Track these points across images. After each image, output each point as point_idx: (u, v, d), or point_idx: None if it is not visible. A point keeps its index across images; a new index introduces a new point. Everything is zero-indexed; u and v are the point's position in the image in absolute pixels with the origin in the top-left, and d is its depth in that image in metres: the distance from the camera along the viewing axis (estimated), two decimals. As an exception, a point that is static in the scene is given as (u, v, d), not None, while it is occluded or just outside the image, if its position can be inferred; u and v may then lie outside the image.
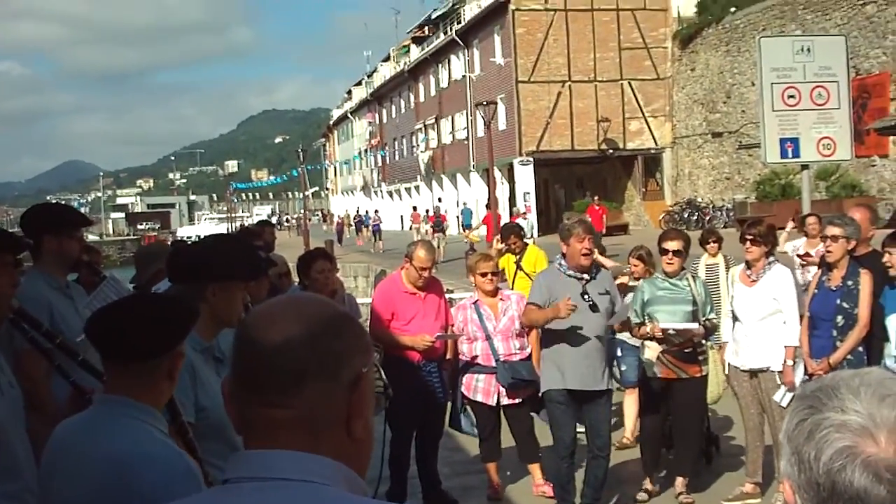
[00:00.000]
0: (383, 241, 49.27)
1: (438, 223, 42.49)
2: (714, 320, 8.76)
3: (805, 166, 13.98)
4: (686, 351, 8.57)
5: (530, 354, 8.84)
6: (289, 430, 1.77)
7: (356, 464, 1.83)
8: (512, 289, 10.52)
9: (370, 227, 53.95)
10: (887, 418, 1.53)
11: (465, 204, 53.04)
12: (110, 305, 3.11)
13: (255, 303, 4.78)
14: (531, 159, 50.28)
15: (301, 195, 70.17)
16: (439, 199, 58.12)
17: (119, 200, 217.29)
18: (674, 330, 8.38)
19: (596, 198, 39.98)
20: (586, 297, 7.92)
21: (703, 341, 8.73)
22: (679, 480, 8.75)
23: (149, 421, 2.91)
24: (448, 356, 8.93)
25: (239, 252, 4.28)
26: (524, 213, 39.76)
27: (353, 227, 61.39)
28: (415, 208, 55.10)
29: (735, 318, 8.62)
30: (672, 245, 8.67)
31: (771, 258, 8.47)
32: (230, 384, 1.84)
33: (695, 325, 8.43)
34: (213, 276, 4.01)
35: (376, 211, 59.99)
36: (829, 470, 1.52)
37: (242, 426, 1.83)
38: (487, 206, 38.27)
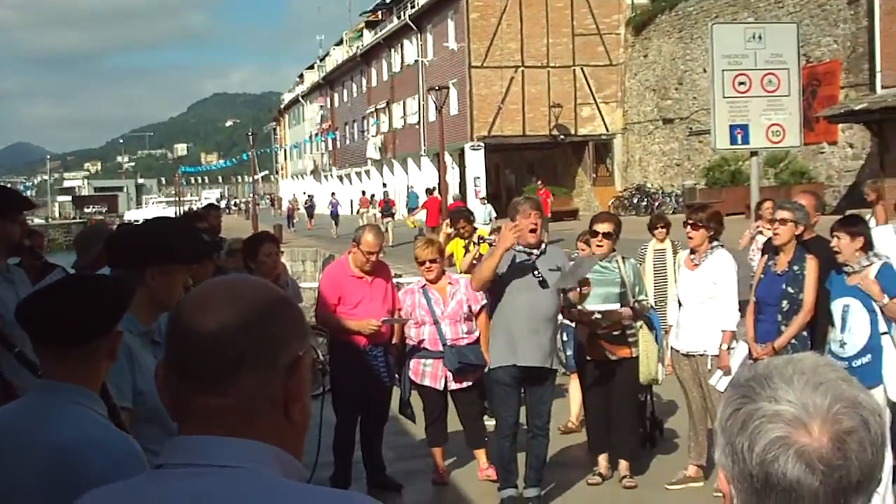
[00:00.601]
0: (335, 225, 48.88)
1: (387, 208, 42.39)
2: (644, 302, 8.78)
3: (754, 153, 14.07)
4: (615, 333, 8.60)
5: (478, 339, 8.83)
6: (225, 418, 1.74)
7: (292, 447, 1.81)
8: (460, 273, 10.50)
9: (321, 212, 53.89)
10: (820, 407, 1.51)
11: (411, 188, 53.06)
12: (41, 289, 3.04)
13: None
14: (482, 144, 50.35)
15: (250, 179, 69.74)
16: (384, 185, 58.12)
17: (66, 183, 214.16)
18: (599, 313, 8.40)
19: (540, 182, 40.13)
20: (536, 272, 7.89)
21: (634, 323, 8.76)
22: (622, 464, 8.78)
23: (89, 405, 2.87)
24: (394, 341, 8.91)
25: (179, 235, 4.21)
26: (482, 199, 39.71)
27: (305, 212, 61.05)
28: (363, 193, 54.99)
29: (679, 303, 8.66)
30: (602, 227, 8.70)
31: (715, 243, 8.51)
32: (163, 369, 1.80)
33: (617, 306, 8.45)
34: (152, 260, 3.95)
35: (333, 194, 59.85)
36: (763, 461, 1.51)
37: (177, 412, 1.80)
38: (428, 192, 38.38)
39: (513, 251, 7.91)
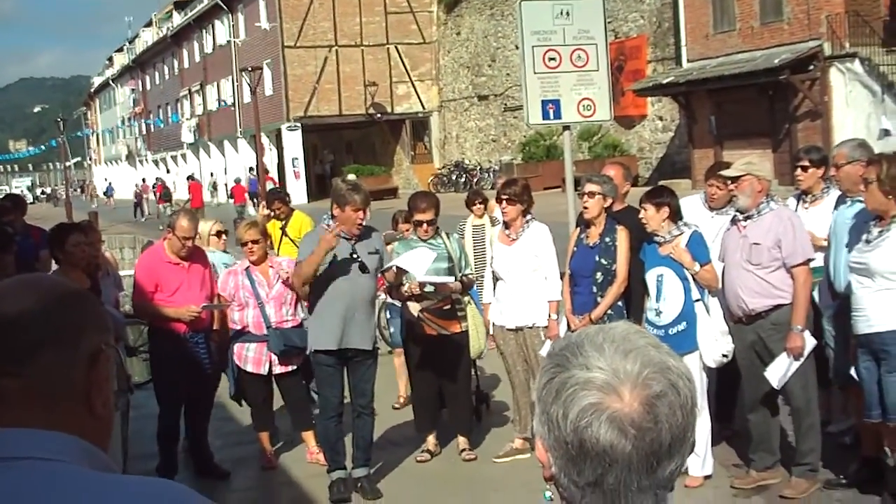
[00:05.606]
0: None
1: (166, 193, 42.10)
2: (470, 276, 8.85)
3: (567, 127, 14.28)
4: (445, 308, 8.67)
5: (301, 322, 8.77)
6: (22, 404, 1.67)
7: (98, 440, 1.74)
8: (278, 255, 10.41)
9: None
10: (630, 372, 1.55)
11: (158, 179, 53.93)
12: None
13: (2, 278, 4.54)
14: (299, 125, 50.10)
15: (62, 166, 67.63)
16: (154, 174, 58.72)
17: None
18: (431, 285, 8.44)
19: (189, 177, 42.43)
20: (355, 255, 7.87)
21: (462, 297, 8.84)
22: (461, 439, 8.88)
23: None
24: (216, 326, 8.78)
25: None
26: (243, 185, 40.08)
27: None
28: (143, 179, 54.89)
29: (496, 278, 8.75)
30: (424, 216, 8.59)
31: (528, 216, 8.63)
32: None
33: (450, 279, 8.50)
34: None
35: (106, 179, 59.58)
36: (577, 428, 1.53)
37: None
38: (189, 177, 38.89)
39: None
